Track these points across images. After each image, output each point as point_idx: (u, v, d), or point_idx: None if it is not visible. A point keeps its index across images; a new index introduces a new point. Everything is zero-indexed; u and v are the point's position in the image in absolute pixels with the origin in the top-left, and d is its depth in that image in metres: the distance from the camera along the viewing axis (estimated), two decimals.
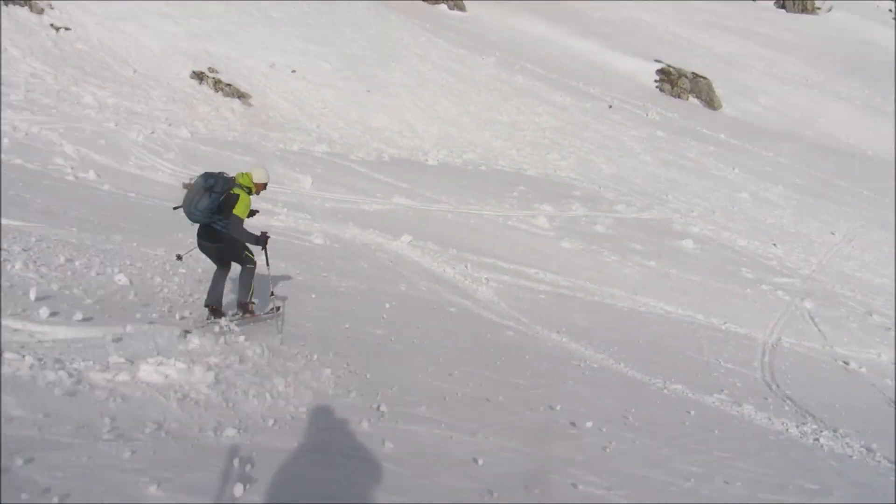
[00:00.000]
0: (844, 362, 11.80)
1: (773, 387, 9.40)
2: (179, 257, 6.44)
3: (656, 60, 36.65)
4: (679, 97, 34.38)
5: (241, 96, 20.82)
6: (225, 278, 6.17)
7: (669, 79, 35.13)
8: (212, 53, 22.13)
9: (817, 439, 7.42)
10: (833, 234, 20.32)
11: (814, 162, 28.66)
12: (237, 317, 6.15)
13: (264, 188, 6.09)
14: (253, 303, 6.34)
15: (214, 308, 6.07)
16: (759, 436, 7.16)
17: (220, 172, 5.76)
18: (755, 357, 10.75)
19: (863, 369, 11.62)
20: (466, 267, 11.96)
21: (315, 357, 5.98)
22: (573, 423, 5.92)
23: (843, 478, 6.26)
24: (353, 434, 4.64)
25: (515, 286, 11.80)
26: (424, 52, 28.19)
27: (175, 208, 5.83)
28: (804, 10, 55.80)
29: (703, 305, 12.66)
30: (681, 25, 46.48)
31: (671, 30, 45.63)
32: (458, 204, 16.00)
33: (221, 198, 5.63)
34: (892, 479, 6.52)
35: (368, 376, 5.92)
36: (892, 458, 7.18)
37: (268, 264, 6.47)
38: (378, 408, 5.24)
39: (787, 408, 8.52)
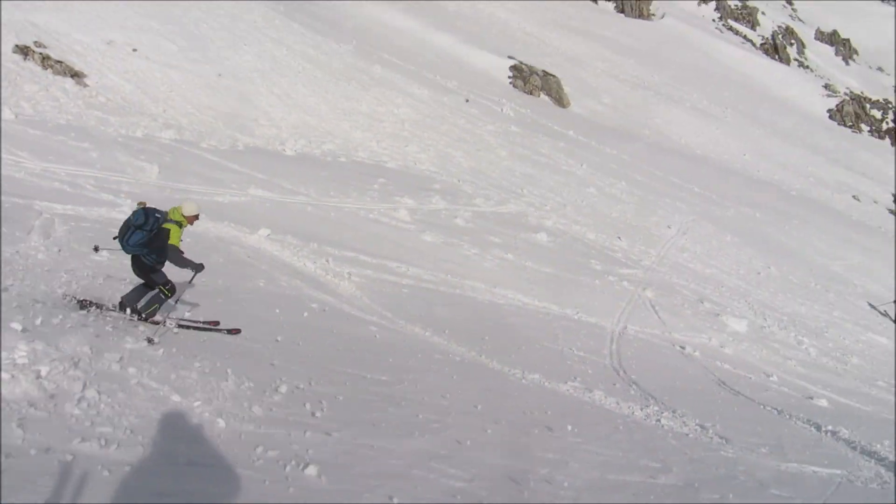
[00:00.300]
0: (681, 347, 12.85)
1: (621, 372, 10.02)
2: (97, 249, 6.80)
3: (510, 57, 37.85)
4: (531, 94, 35.75)
5: (75, 75, 18.83)
6: (145, 291, 6.57)
7: (522, 75, 36.41)
8: (38, 26, 19.84)
9: (659, 420, 7.98)
10: (669, 227, 22.09)
11: (652, 160, 31.01)
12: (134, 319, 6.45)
13: (196, 219, 6.51)
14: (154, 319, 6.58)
15: (124, 305, 6.48)
16: (608, 419, 7.57)
17: (153, 209, 6.18)
18: (605, 345, 11.41)
19: (696, 353, 12.72)
20: (328, 261, 11.65)
21: (169, 359, 5.49)
22: (436, 418, 5.92)
23: (681, 455, 6.78)
24: (208, 441, 4.30)
25: (378, 280, 11.66)
26: (279, 35, 27.16)
27: (114, 238, 6.21)
28: (640, 15, 60.13)
29: (557, 297, 13.23)
30: (532, 24, 48.38)
31: (523, 27, 47.37)
32: (319, 196, 15.57)
33: (152, 234, 6.08)
34: (723, 453, 7.15)
35: (229, 380, 5.52)
36: (724, 434, 7.89)
37: (191, 281, 6.88)
38: (233, 411, 4.90)
39: (632, 392, 9.10)
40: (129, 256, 6.31)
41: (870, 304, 23.50)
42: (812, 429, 9.67)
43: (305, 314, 8.73)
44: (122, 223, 6.19)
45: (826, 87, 58.15)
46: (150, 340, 5.82)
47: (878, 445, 9.27)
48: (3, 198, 9.11)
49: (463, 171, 21.23)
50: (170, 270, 6.42)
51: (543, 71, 37.58)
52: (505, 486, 4.74)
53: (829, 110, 55.03)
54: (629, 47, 52.17)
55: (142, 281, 6.50)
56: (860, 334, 19.67)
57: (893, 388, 15.38)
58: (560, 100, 36.81)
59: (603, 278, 15.44)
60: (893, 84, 66.02)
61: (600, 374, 9.58)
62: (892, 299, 22.85)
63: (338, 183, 16.84)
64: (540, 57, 41.28)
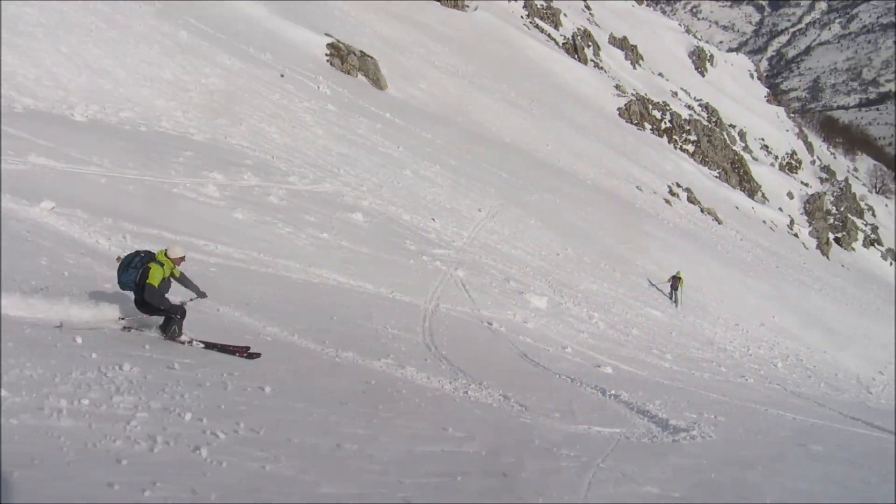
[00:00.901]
0: (489, 323, 13.59)
1: (433, 349, 10.36)
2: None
3: (327, 34, 37.08)
4: (348, 73, 35.35)
5: None
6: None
7: (339, 54, 35.83)
8: None
9: (466, 392, 8.39)
10: (480, 210, 23.18)
11: (464, 146, 32.26)
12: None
13: (182, 260, 7.21)
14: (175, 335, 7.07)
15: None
16: (419, 393, 7.81)
17: (145, 252, 6.88)
18: (418, 322, 11.71)
19: (502, 328, 13.53)
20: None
21: None
22: (245, 399, 5.71)
23: (485, 423, 7.19)
24: None
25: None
26: None
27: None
28: (455, 6, 61.96)
29: (372, 276, 13.33)
30: (349, 4, 47.81)
31: (339, 6, 46.65)
32: (114, 167, 14.12)
33: (139, 272, 6.65)
34: (522, 420, 7.71)
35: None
36: (523, 402, 8.49)
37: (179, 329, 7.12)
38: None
39: (443, 367, 9.46)
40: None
41: (649, 282, 26.63)
42: (598, 393, 10.75)
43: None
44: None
45: (616, 87, 64.27)
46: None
47: (651, 405, 10.54)
48: None
49: (277, 148, 20.48)
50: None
51: (361, 51, 37.31)
52: (314, 463, 4.70)
53: (619, 108, 60.94)
54: (445, 36, 53.58)
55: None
56: (640, 309, 22.15)
57: (666, 356, 17.57)
58: (377, 81, 36.82)
59: (417, 258, 15.81)
60: (670, 89, 74.66)
61: (413, 351, 9.83)
62: (667, 279, 26.23)
63: (137, 154, 15.41)
64: (357, 37, 40.94)
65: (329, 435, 5.34)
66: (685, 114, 67.98)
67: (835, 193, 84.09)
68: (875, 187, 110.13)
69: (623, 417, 9.33)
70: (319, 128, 24.51)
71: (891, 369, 30.36)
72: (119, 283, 6.79)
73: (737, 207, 57.86)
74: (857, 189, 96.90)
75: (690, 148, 63.93)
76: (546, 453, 6.31)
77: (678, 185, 50.57)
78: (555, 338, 14.91)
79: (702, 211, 48.44)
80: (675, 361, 17.32)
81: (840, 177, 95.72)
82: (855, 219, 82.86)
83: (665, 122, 64.04)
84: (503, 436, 6.69)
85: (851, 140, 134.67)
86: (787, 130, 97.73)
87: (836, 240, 73.60)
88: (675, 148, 62.80)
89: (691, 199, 49.55)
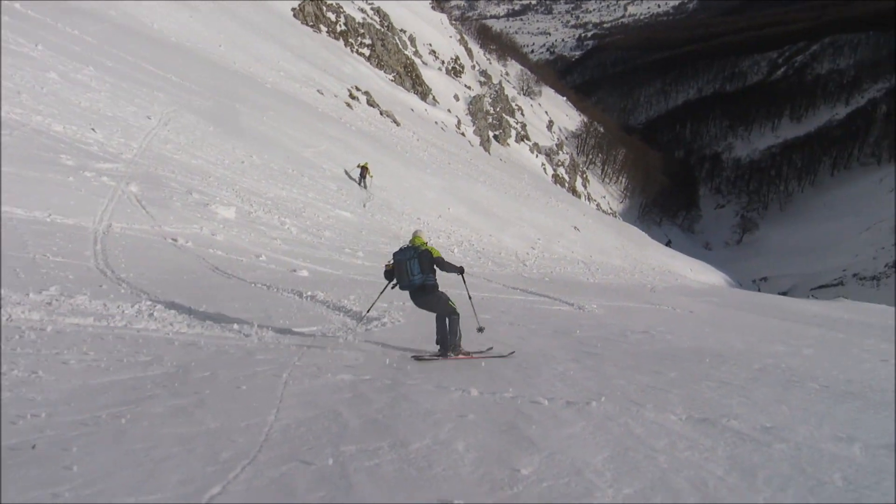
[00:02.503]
0: (173, 239, 12.64)
1: (108, 273, 9.33)
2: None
3: None
4: None
5: None
6: (443, 322, 7.72)
7: None
8: None
9: (152, 314, 7.79)
10: (149, 118, 20.89)
11: (122, 44, 28.36)
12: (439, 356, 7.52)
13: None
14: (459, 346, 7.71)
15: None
16: (94, 324, 7.03)
17: (407, 247, 7.56)
18: (87, 247, 10.38)
19: (189, 244, 12.71)
20: None
21: None
22: None
23: (171, 344, 6.80)
24: None
25: None
26: None
27: (393, 287, 7.85)
28: None
29: (20, 198, 11.30)
30: None
31: None
32: None
33: (416, 258, 7.39)
34: (212, 333, 7.47)
35: None
36: (213, 316, 8.20)
37: (469, 296, 8.61)
38: None
39: (122, 290, 8.61)
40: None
41: (345, 171, 27.42)
42: (295, 296, 10.89)
43: None
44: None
45: None
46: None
47: (346, 301, 11.06)
48: None
49: None
50: None
51: None
52: None
53: (293, 9, 59.05)
54: None
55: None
56: (330, 211, 22.67)
57: (358, 253, 18.40)
58: None
59: (77, 174, 13.80)
60: None
61: (84, 278, 8.73)
62: (356, 166, 27.70)
63: None
64: None
65: None
66: (359, 17, 68.71)
67: (492, 95, 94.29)
68: (522, 90, 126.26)
69: (320, 316, 9.64)
70: None
71: (541, 244, 36.22)
72: (410, 281, 7.46)
73: (412, 110, 61.55)
74: (509, 91, 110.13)
75: (366, 52, 65.29)
76: (241, 361, 6.24)
77: (358, 89, 51.70)
78: (247, 247, 14.55)
79: (381, 114, 50.49)
80: (366, 258, 18.27)
81: (495, 80, 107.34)
82: (508, 118, 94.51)
83: (340, 25, 64.06)
84: (194, 352, 6.41)
85: (502, 47, 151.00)
86: (451, 37, 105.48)
87: (495, 137, 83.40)
88: (352, 52, 63.58)
89: (371, 103, 51.19)
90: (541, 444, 4.54)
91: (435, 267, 7.54)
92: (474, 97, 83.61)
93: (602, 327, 12.38)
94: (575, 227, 47.51)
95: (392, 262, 7.67)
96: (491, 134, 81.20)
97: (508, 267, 26.40)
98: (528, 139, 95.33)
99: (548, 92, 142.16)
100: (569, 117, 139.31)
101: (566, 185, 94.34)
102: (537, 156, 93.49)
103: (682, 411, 5.77)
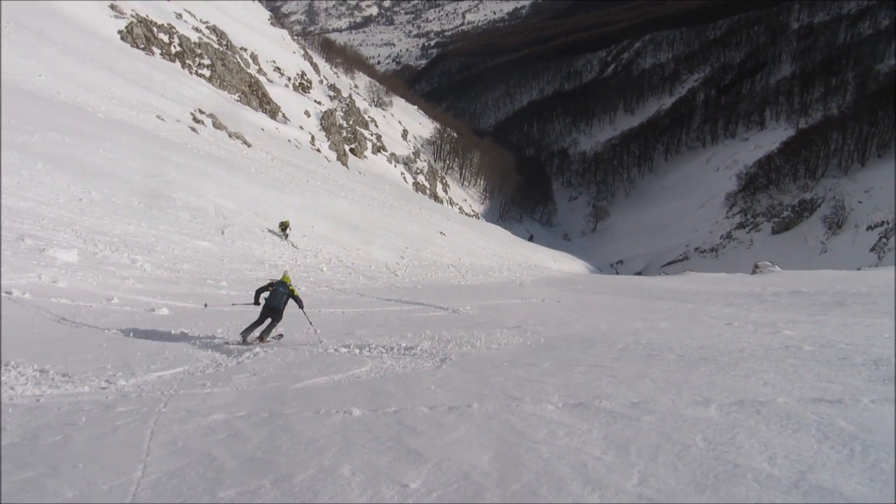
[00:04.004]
0: (7, 293, 11.41)
1: None
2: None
3: None
4: None
5: None
6: (268, 325, 10.76)
7: None
8: None
9: None
10: None
11: None
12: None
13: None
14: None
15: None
16: None
17: (281, 282, 10.97)
18: None
19: (27, 295, 11.54)
20: None
21: None
22: None
23: (19, 409, 6.14)
24: None
25: None
26: None
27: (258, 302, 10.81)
28: None
29: None
30: None
31: None
32: None
33: (287, 295, 10.82)
34: (67, 388, 6.82)
35: None
36: (66, 371, 7.49)
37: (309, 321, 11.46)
38: None
39: None
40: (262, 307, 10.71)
41: (268, 230, 25.92)
42: (156, 338, 10.20)
43: None
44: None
45: (112, 7, 58.12)
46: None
47: (213, 335, 10.51)
48: None
49: None
50: None
51: None
52: None
53: (120, 31, 55.50)
54: None
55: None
56: (186, 242, 21.50)
57: (221, 283, 17.57)
58: None
59: None
60: (173, 10, 70.87)
61: None
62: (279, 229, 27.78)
63: None
64: None
65: None
66: (194, 37, 65.79)
67: (343, 109, 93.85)
68: (373, 101, 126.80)
69: (186, 355, 9.08)
70: None
71: (409, 252, 36.46)
72: (277, 305, 10.69)
73: (262, 129, 59.83)
74: (360, 104, 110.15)
75: (206, 73, 62.69)
76: (98, 418, 5.72)
77: (201, 112, 49.46)
78: (96, 291, 13.44)
79: (230, 136, 48.65)
80: (231, 287, 17.50)
81: (345, 94, 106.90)
82: (363, 130, 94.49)
83: (175, 46, 61.08)
84: (42, 416, 5.80)
85: (348, 60, 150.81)
86: (294, 52, 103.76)
87: (352, 150, 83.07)
88: (191, 73, 60.79)
89: (217, 125, 49.17)
90: (427, 454, 4.53)
91: (293, 298, 11.01)
92: (325, 112, 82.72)
93: (477, 327, 12.65)
94: (441, 233, 48.30)
95: (272, 286, 10.91)
96: (347, 147, 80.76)
97: (380, 279, 26.34)
98: (385, 150, 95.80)
99: (399, 102, 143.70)
100: (422, 125, 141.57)
101: (427, 191, 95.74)
102: (396, 165, 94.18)
103: (558, 399, 6.00)
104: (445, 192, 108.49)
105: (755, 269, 35.81)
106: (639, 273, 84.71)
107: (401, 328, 12.54)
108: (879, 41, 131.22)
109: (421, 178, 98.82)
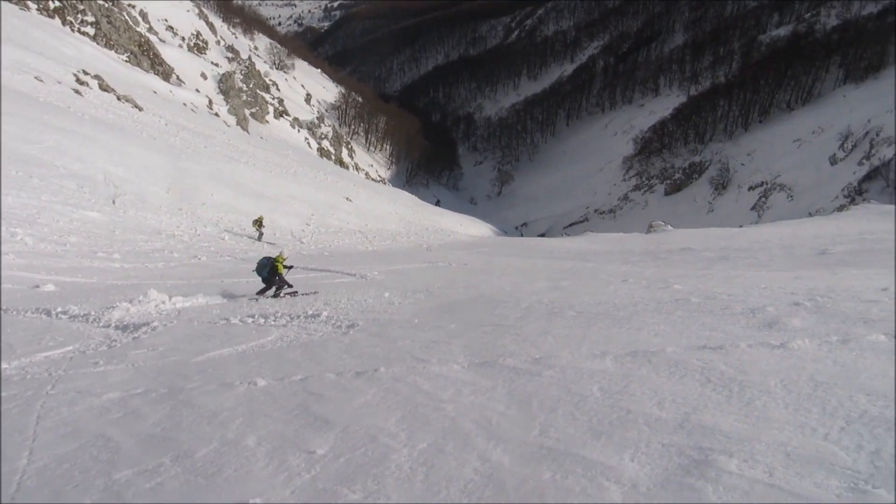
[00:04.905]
0: None
1: None
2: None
3: None
4: None
5: None
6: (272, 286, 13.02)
7: None
8: None
9: None
10: None
11: None
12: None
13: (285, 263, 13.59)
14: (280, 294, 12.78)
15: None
16: None
17: (268, 257, 13.11)
18: None
19: None
20: None
21: None
22: None
23: None
24: None
25: None
26: None
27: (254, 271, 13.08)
28: None
29: None
30: None
31: None
32: None
33: (268, 266, 12.86)
34: None
35: None
36: None
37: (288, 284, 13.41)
38: None
39: None
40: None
41: (254, 238, 24.22)
42: (42, 315, 9.58)
43: None
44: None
45: None
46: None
47: (107, 313, 9.96)
48: None
49: None
50: None
51: None
52: None
53: None
54: None
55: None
56: (72, 213, 20.20)
57: (114, 255, 16.66)
58: None
59: None
60: None
61: None
62: (253, 227, 27.41)
63: None
64: None
65: None
66: None
67: (243, 72, 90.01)
68: (275, 64, 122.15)
69: (76, 333, 8.58)
70: None
71: (315, 219, 35.84)
72: (261, 274, 12.89)
73: (155, 92, 56.56)
74: (261, 66, 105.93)
75: (90, 30, 58.31)
76: None
77: (86, 73, 46.07)
78: None
79: (119, 99, 45.68)
80: (125, 259, 16.67)
81: (244, 55, 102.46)
82: (264, 94, 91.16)
83: (53, 1, 56.32)
84: None
85: (247, 21, 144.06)
86: (188, 11, 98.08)
87: (252, 115, 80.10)
88: (73, 31, 56.36)
89: (104, 87, 46.02)
90: (334, 419, 4.53)
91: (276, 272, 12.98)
92: (224, 74, 78.98)
93: (385, 292, 12.66)
94: (347, 199, 47.67)
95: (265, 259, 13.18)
96: (247, 112, 77.70)
97: (286, 247, 25.78)
98: (288, 114, 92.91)
99: (301, 65, 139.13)
100: (326, 89, 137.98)
101: (333, 157, 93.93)
102: (299, 130, 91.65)
103: (463, 359, 6.13)
104: (351, 157, 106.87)
105: (650, 229, 37.63)
106: (542, 235, 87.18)
107: (307, 296, 12.38)
108: (763, 13, 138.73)
109: (326, 143, 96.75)
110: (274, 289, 12.92)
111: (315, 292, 12.92)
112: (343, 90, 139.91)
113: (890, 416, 3.72)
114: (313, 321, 9.23)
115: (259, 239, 27.28)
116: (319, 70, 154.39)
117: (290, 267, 13.86)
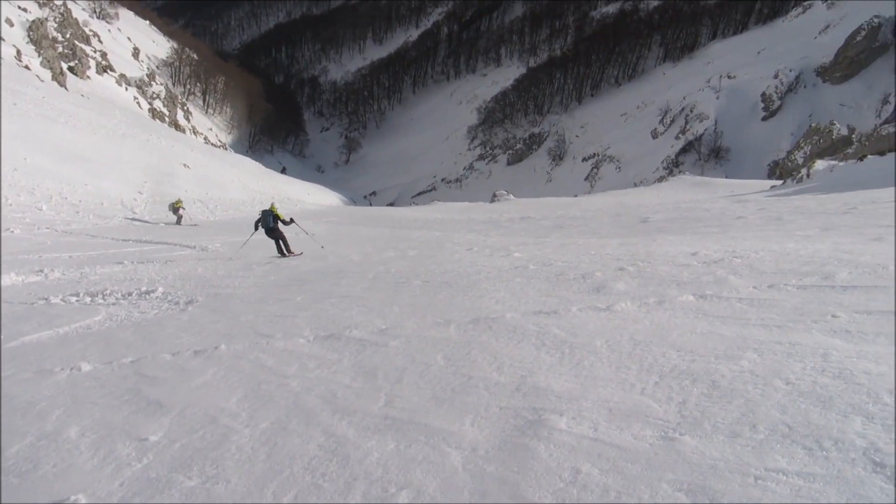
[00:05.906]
0: None
1: None
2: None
3: None
4: None
5: None
6: (279, 242, 14.37)
7: None
8: None
9: None
10: None
11: None
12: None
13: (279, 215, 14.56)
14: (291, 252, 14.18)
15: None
16: None
17: (266, 210, 14.48)
18: None
19: None
20: None
21: None
22: None
23: None
24: None
25: None
26: None
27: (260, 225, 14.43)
28: None
29: None
30: None
31: None
32: None
33: (271, 215, 14.36)
34: None
35: None
36: None
37: (306, 231, 18.13)
38: None
39: None
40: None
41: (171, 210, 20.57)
42: None
43: None
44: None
45: None
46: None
47: None
48: None
49: None
50: None
51: None
52: None
53: None
54: None
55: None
56: None
57: None
58: None
59: None
60: None
61: None
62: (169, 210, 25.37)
63: None
64: None
65: None
66: None
67: (57, 20, 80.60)
68: (95, 13, 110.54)
69: None
70: None
71: (149, 187, 33.32)
72: (267, 225, 14.22)
73: None
74: (79, 14, 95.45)
75: None
76: None
77: None
78: None
79: None
80: None
81: (58, 1, 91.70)
82: (84, 46, 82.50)
83: None
84: None
85: None
86: None
87: (70, 69, 72.34)
88: None
89: None
90: (169, 403, 4.30)
91: (279, 220, 14.31)
92: (34, 22, 70.10)
93: (227, 265, 12.12)
94: (185, 165, 44.73)
95: (259, 216, 14.36)
96: (65, 66, 69.85)
97: (115, 218, 23.78)
98: (113, 70, 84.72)
99: (127, 15, 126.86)
100: (156, 44, 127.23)
101: (167, 119, 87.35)
102: (127, 89, 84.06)
103: (309, 333, 6.05)
104: (188, 120, 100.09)
105: (493, 198, 39.10)
106: (391, 204, 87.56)
107: (141, 270, 11.53)
108: None
109: (158, 103, 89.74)
110: (279, 245, 14.15)
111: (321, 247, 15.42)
112: (176, 45, 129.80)
113: (695, 370, 4.19)
114: (147, 298, 8.63)
115: (178, 223, 25.03)
116: (148, 22, 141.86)
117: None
